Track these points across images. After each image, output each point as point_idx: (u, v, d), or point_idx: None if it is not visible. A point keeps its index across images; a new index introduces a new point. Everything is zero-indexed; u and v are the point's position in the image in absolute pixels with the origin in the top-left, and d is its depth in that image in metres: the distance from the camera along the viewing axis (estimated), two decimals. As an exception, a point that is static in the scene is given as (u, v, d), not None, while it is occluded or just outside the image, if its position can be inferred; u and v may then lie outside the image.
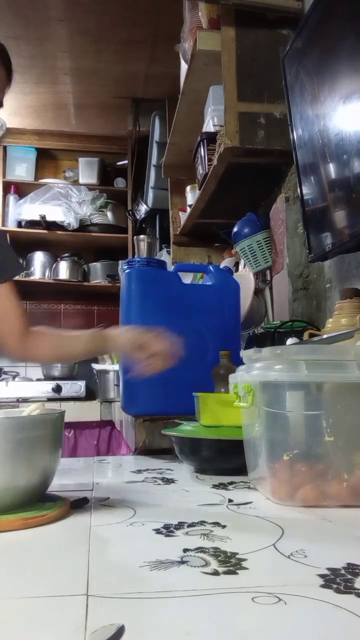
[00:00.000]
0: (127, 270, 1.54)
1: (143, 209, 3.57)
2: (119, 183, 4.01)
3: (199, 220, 2.45)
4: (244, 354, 0.94)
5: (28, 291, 3.69)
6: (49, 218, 3.65)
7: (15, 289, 1.23)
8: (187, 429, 1.14)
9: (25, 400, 3.25)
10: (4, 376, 3.64)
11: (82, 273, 3.83)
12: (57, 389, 3.32)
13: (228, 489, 0.92)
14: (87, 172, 3.99)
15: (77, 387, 3.37)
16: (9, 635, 0.41)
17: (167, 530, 0.67)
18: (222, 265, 2.10)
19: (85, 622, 0.42)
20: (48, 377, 3.55)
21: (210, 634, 0.41)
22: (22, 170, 3.93)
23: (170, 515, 0.75)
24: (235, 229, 2.02)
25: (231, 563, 0.55)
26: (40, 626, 0.43)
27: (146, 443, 1.41)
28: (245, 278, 2.01)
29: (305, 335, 1.33)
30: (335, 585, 0.49)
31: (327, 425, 0.78)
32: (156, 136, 3.23)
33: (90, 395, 3.42)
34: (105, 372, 3.27)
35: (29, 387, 3.38)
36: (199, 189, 2.13)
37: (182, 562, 0.56)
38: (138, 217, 3.68)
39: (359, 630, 0.41)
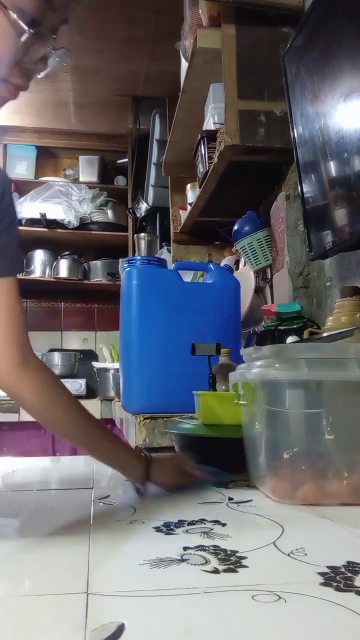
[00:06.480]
0: (127, 269, 1.53)
1: (143, 207, 3.56)
2: (119, 181, 4.01)
3: (199, 218, 2.44)
4: (244, 352, 0.94)
5: (28, 289, 3.69)
6: (49, 216, 3.65)
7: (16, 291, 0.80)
8: (187, 427, 1.14)
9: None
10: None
11: (83, 271, 3.82)
12: (57, 387, 3.32)
13: (228, 487, 0.92)
14: (87, 170, 3.99)
15: (77, 385, 3.36)
16: (10, 634, 0.41)
17: (167, 528, 0.67)
18: (222, 264, 2.10)
19: (85, 620, 0.42)
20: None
21: (210, 631, 0.41)
22: (22, 168, 3.93)
23: (170, 513, 0.75)
24: (235, 227, 2.02)
25: (231, 561, 0.55)
26: (41, 624, 0.43)
27: (146, 441, 1.41)
28: (246, 276, 2.01)
29: (306, 334, 1.33)
30: (335, 584, 0.49)
31: (327, 423, 0.78)
32: (156, 134, 3.23)
33: (90, 393, 3.42)
34: (106, 370, 3.27)
35: (29, 385, 3.38)
36: (200, 187, 2.13)
37: (182, 560, 0.56)
38: (138, 215, 3.67)
39: (359, 628, 0.41)
